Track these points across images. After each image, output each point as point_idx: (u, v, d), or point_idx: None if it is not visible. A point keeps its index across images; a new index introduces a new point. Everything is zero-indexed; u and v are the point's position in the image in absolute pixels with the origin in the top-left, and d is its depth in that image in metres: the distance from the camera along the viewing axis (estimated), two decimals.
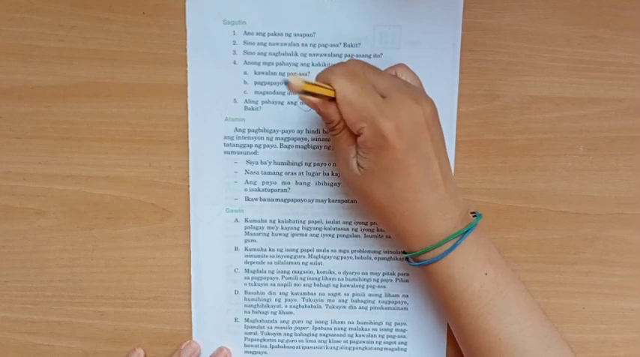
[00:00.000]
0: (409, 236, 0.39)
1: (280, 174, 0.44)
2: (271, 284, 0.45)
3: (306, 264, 0.45)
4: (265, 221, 0.45)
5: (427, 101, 0.37)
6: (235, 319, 0.46)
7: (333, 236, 0.45)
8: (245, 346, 0.46)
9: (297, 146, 0.44)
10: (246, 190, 0.44)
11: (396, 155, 0.36)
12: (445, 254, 0.38)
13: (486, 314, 0.38)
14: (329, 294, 0.45)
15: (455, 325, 0.41)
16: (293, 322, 0.46)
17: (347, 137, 0.38)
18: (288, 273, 0.45)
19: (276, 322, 0.46)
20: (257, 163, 0.44)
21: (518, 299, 0.39)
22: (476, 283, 0.38)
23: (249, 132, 0.44)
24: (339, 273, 0.45)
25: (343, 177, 0.39)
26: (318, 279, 0.45)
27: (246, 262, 0.45)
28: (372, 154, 0.36)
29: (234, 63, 0.43)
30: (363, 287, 0.45)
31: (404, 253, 0.41)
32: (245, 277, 0.45)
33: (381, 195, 0.38)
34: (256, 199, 0.44)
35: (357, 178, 0.38)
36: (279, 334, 0.46)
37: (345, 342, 0.46)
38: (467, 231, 0.38)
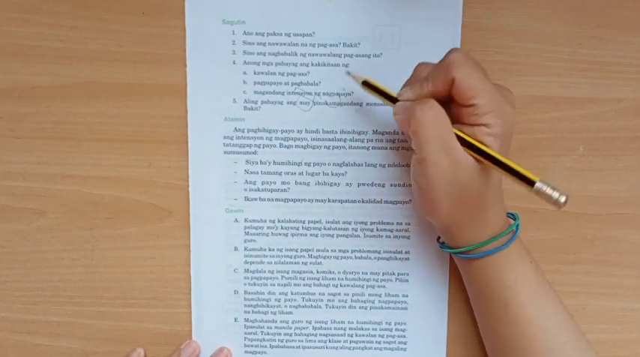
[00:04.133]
0: (477, 229, 0.38)
1: (280, 174, 0.44)
2: (271, 284, 0.45)
3: (305, 264, 0.45)
4: (265, 221, 0.45)
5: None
6: (235, 319, 0.46)
7: (332, 236, 0.45)
8: (245, 346, 0.46)
9: (296, 146, 0.44)
10: (245, 190, 0.44)
11: (510, 142, 0.37)
12: (511, 241, 0.38)
13: (533, 303, 0.38)
14: (329, 294, 0.45)
15: (498, 317, 0.40)
16: (293, 322, 0.46)
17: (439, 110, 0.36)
18: (287, 273, 0.45)
19: (275, 322, 0.46)
20: (257, 163, 0.44)
21: (551, 291, 0.40)
22: (526, 271, 0.39)
23: (248, 132, 0.44)
24: (339, 273, 0.45)
25: (442, 169, 0.36)
26: (318, 279, 0.45)
27: (246, 262, 0.45)
28: (497, 140, 0.35)
29: (234, 63, 0.43)
30: (362, 287, 0.45)
31: (448, 248, 0.40)
32: (245, 277, 0.45)
33: (478, 185, 0.36)
34: (256, 199, 0.45)
35: (465, 170, 0.36)
36: (279, 334, 0.46)
37: (344, 342, 0.46)
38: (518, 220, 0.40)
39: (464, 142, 0.35)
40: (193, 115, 0.44)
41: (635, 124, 0.44)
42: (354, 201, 0.44)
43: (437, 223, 0.40)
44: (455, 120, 0.36)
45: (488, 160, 0.35)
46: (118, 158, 0.44)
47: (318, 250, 0.45)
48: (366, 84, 0.41)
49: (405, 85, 0.39)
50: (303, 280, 0.45)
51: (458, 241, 0.40)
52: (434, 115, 0.35)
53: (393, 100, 0.39)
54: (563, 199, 0.32)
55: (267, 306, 0.46)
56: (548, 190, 0.32)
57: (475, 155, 0.35)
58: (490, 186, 0.37)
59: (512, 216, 0.41)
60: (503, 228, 0.39)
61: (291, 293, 0.46)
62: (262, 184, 0.44)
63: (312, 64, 0.43)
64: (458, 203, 0.37)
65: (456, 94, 0.35)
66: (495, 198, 0.38)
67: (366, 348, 0.46)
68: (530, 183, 0.33)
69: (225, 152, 0.44)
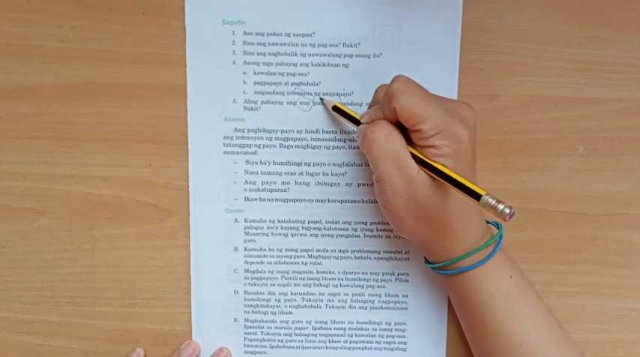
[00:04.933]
0: (448, 245, 0.38)
1: (280, 174, 0.44)
2: (271, 284, 0.45)
3: (305, 264, 0.45)
4: (265, 221, 0.45)
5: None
6: (235, 319, 0.46)
7: (332, 236, 0.45)
8: (245, 346, 0.46)
9: (296, 146, 0.44)
10: (245, 190, 0.44)
11: (467, 159, 0.36)
12: (487, 259, 0.38)
13: (511, 318, 0.38)
14: (328, 294, 0.45)
15: (476, 331, 0.40)
16: (293, 322, 0.46)
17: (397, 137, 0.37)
18: (287, 273, 0.45)
19: (275, 322, 0.46)
20: (256, 163, 0.44)
21: (535, 303, 0.39)
22: (504, 287, 0.38)
23: (248, 132, 0.44)
24: (339, 273, 0.45)
25: (401, 187, 0.36)
26: (318, 279, 0.45)
27: (246, 262, 0.45)
28: (449, 158, 0.36)
29: (234, 63, 0.43)
30: (362, 287, 0.45)
31: (428, 263, 0.41)
32: (245, 277, 0.45)
33: (437, 203, 0.37)
34: (256, 199, 0.45)
35: (421, 187, 0.36)
36: (279, 334, 0.46)
37: (344, 342, 0.46)
38: (500, 236, 0.39)
39: (418, 161, 0.36)
40: (193, 115, 0.44)
41: (635, 124, 0.44)
42: (354, 201, 0.44)
43: (408, 238, 0.40)
44: (410, 141, 0.37)
45: (439, 176, 0.36)
46: (118, 158, 0.44)
47: (318, 250, 0.45)
48: (336, 109, 0.42)
49: (367, 109, 0.40)
50: (303, 280, 0.45)
51: (432, 256, 0.40)
52: (384, 134, 0.36)
53: (358, 123, 0.40)
54: (507, 210, 0.32)
55: (267, 306, 0.46)
56: (494, 203, 0.33)
57: (429, 172, 0.36)
58: (451, 203, 0.37)
59: (497, 225, 0.41)
60: (480, 242, 0.38)
61: (291, 293, 0.46)
62: (262, 184, 0.44)
63: (312, 64, 0.43)
64: (421, 220, 0.37)
65: (402, 121, 0.36)
66: (461, 214, 0.38)
67: (365, 348, 0.46)
68: (477, 197, 0.34)
69: (225, 152, 0.44)
